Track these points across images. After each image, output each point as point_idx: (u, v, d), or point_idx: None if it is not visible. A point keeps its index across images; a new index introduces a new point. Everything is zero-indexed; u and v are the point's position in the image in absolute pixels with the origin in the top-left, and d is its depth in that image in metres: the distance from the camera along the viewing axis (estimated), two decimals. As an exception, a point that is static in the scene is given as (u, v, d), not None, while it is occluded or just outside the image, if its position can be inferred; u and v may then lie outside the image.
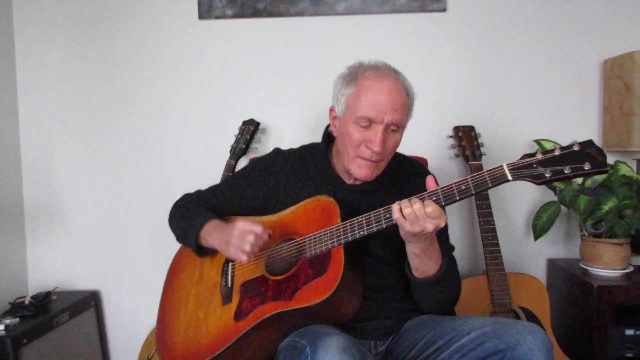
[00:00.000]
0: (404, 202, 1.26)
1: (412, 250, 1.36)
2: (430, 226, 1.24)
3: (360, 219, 1.35)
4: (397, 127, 1.43)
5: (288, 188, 1.57)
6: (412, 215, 1.24)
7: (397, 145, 1.47)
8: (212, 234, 1.51)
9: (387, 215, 1.31)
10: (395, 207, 1.26)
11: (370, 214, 1.34)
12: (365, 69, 1.45)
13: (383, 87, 1.40)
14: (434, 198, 1.26)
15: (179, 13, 2.28)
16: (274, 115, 2.29)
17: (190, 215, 1.60)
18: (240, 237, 1.39)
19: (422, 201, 1.25)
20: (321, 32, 2.27)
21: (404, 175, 1.59)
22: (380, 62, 1.48)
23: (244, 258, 1.40)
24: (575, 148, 1.15)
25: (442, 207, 1.27)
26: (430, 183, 1.29)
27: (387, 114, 1.39)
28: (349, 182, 1.55)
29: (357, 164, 1.45)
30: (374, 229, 1.32)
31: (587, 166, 1.12)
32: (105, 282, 2.37)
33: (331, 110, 1.53)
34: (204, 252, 1.58)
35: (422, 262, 1.38)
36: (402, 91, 1.43)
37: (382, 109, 1.39)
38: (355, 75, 1.45)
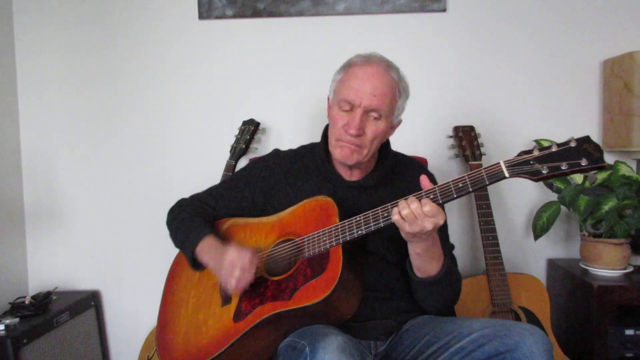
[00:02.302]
0: (402, 204, 1.26)
1: (414, 250, 1.36)
2: (429, 225, 1.24)
3: (358, 219, 1.34)
4: (378, 115, 1.44)
5: (288, 187, 1.58)
6: (410, 216, 1.24)
7: (378, 133, 1.46)
8: (206, 253, 1.50)
9: (385, 214, 1.31)
10: (394, 210, 1.27)
11: (368, 213, 1.34)
12: (356, 59, 1.50)
13: (366, 73, 1.44)
14: (432, 196, 1.26)
15: (179, 13, 2.28)
16: (274, 115, 2.30)
17: (185, 228, 1.58)
18: (227, 269, 1.39)
19: (419, 200, 1.25)
20: (321, 32, 2.27)
21: (403, 173, 1.60)
22: (375, 53, 1.51)
23: (231, 289, 1.42)
24: (572, 144, 1.15)
25: (441, 205, 1.27)
26: (424, 182, 1.29)
27: (365, 98, 1.42)
28: (347, 178, 1.56)
29: (338, 146, 1.48)
30: (372, 228, 1.32)
31: (584, 162, 1.12)
32: (105, 282, 2.37)
33: (328, 99, 1.58)
34: (200, 266, 1.57)
35: (424, 262, 1.39)
36: (387, 79, 1.45)
37: (361, 93, 1.42)
38: (348, 63, 1.50)
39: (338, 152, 1.48)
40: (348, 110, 1.44)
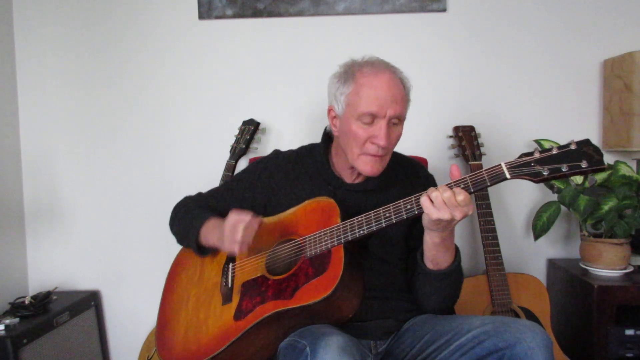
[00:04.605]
0: (431, 189, 1.25)
1: (432, 239, 1.34)
2: (459, 214, 1.22)
3: (360, 219, 1.35)
4: (398, 120, 1.44)
5: (288, 189, 1.58)
6: (438, 199, 1.22)
7: (399, 137, 1.47)
8: (211, 232, 1.51)
9: (387, 215, 1.31)
10: (424, 196, 1.25)
11: (370, 214, 1.34)
12: (361, 66, 1.45)
13: (382, 82, 1.41)
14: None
15: (179, 13, 2.28)
16: (274, 115, 2.30)
17: (190, 215, 1.60)
18: (231, 229, 1.39)
19: (452, 189, 1.23)
20: (321, 32, 2.27)
21: (403, 175, 1.60)
22: (373, 57, 1.49)
23: (236, 248, 1.38)
24: (572, 147, 1.16)
25: None
26: (455, 172, 1.27)
27: (389, 108, 1.40)
28: (349, 181, 1.55)
29: (362, 161, 1.45)
30: (374, 228, 1.32)
31: (584, 164, 1.13)
32: (105, 282, 2.37)
33: (330, 110, 1.53)
34: (205, 251, 1.58)
35: (439, 252, 1.38)
36: (400, 83, 1.44)
37: (384, 103, 1.39)
38: (352, 72, 1.45)
39: (363, 167, 1.45)
40: (369, 123, 1.41)
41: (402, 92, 1.44)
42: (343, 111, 1.46)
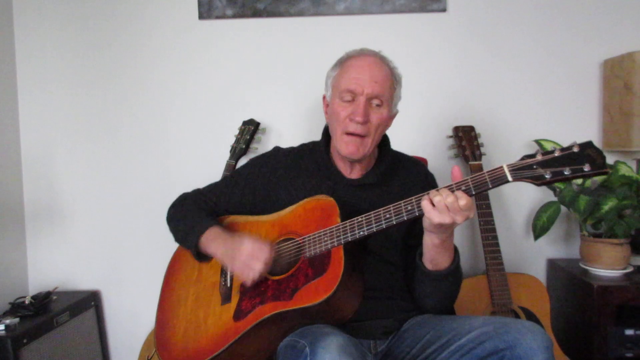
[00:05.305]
0: (433, 192, 1.24)
1: (432, 241, 1.34)
2: (460, 218, 1.22)
3: (360, 219, 1.34)
4: (380, 102, 1.47)
5: (288, 185, 1.58)
6: (441, 203, 1.22)
7: (382, 121, 1.49)
8: (213, 242, 1.50)
9: (387, 216, 1.30)
10: (425, 200, 1.24)
11: (370, 214, 1.33)
12: (349, 53, 1.55)
13: (363, 62, 1.48)
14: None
15: (179, 13, 2.28)
16: (274, 115, 2.30)
17: (189, 219, 1.59)
18: (248, 261, 1.38)
19: (453, 193, 1.22)
20: (321, 32, 2.27)
21: (403, 171, 1.60)
22: (365, 47, 1.56)
23: (249, 282, 1.40)
24: (575, 149, 1.14)
25: None
26: (456, 174, 1.26)
27: (367, 86, 1.45)
28: (349, 176, 1.56)
29: (344, 141, 1.48)
30: (374, 229, 1.31)
31: (586, 168, 1.12)
32: (105, 282, 2.37)
33: (323, 98, 1.60)
34: (204, 258, 1.57)
35: (439, 254, 1.38)
36: (383, 66, 1.49)
37: (362, 81, 1.45)
38: (341, 60, 1.55)
39: (344, 147, 1.48)
40: (350, 101, 1.46)
41: (384, 74, 1.48)
42: (330, 95, 1.54)
